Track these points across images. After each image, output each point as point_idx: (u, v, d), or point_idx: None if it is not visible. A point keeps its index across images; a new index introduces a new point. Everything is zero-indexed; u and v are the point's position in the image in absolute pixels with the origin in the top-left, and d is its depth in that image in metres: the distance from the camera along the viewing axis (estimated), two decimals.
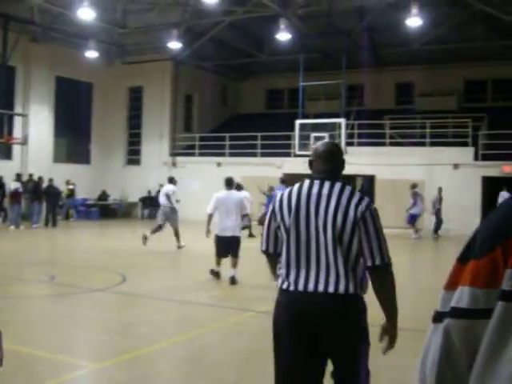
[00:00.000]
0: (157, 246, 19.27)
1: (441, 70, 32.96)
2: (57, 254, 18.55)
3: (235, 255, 12.91)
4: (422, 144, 28.22)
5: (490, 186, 26.80)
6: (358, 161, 27.75)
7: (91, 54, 31.20)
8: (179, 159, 33.62)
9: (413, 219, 24.81)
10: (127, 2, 29.76)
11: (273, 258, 4.14)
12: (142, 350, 7.82)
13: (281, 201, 4.04)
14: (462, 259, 1.82)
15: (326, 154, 4.12)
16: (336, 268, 3.81)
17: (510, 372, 1.66)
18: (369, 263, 3.81)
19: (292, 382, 3.92)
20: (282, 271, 4.00)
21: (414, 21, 24.95)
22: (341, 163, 4.17)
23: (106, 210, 33.26)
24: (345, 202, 3.85)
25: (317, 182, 3.98)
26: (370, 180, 29.60)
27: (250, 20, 30.55)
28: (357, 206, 3.84)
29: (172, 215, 19.62)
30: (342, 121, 27.25)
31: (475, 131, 27.62)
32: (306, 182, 4.04)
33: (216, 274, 13.23)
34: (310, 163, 4.19)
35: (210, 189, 27.93)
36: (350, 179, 30.79)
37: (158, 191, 32.89)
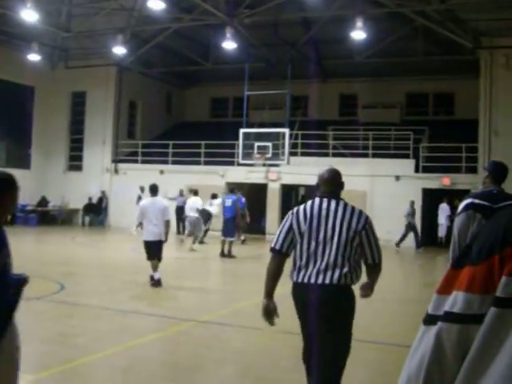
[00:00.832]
0: (97, 255, 19.01)
1: (384, 82, 33.40)
2: None
3: (159, 258, 13.60)
4: (365, 155, 28.53)
5: (430, 198, 27.27)
6: (301, 171, 27.90)
7: (34, 57, 30.64)
8: (121, 166, 33.26)
9: None
10: (72, 6, 29.35)
11: (281, 257, 5.25)
12: (79, 361, 7.65)
13: (297, 213, 5.24)
14: (457, 265, 1.89)
15: (331, 180, 5.40)
16: (340, 265, 5.01)
17: (498, 377, 1.71)
18: (370, 261, 5.17)
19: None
20: (296, 266, 5.18)
21: (358, 34, 25.24)
22: (341, 186, 5.48)
23: (45, 217, 32.70)
24: (348, 215, 5.15)
25: (325, 200, 5.25)
26: (312, 190, 29.76)
27: (197, 28, 30.49)
28: (358, 219, 5.14)
29: (198, 225, 22.49)
30: (286, 131, 27.34)
31: (416, 144, 28.06)
32: (317, 200, 5.28)
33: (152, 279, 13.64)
34: (317, 186, 5.44)
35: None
36: (293, 189, 30.96)
37: (100, 198, 32.66)
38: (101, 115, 33.97)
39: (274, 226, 28.57)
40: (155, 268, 13.47)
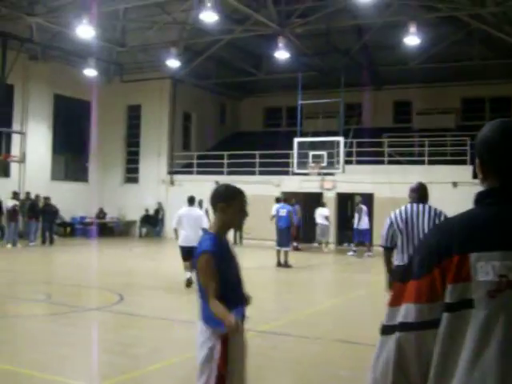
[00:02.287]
0: (154, 265, 19.18)
1: (439, 88, 33.02)
2: (53, 273, 18.46)
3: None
4: (421, 162, 28.20)
5: None
6: (357, 179, 27.75)
7: (90, 72, 31.20)
8: (177, 177, 33.56)
9: (362, 236, 25.25)
10: (126, 21, 29.84)
11: (389, 250, 7.55)
12: (139, 371, 7.73)
13: (395, 216, 7.39)
14: (403, 279, 2.10)
15: (418, 190, 7.49)
16: None
17: (460, 379, 1.90)
18: None
19: None
20: (397, 257, 7.38)
21: (412, 40, 24.98)
22: (426, 195, 7.52)
23: (103, 229, 33.16)
24: (433, 214, 7.24)
25: (415, 204, 7.39)
26: (368, 198, 29.56)
27: (249, 38, 30.62)
28: (439, 218, 7.15)
29: (327, 232, 26.70)
30: (341, 139, 27.20)
31: (473, 149, 27.56)
32: (409, 205, 7.41)
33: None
34: (410, 194, 7.54)
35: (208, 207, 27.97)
36: (349, 198, 30.77)
37: (157, 210, 32.98)
38: (156, 127, 34.35)
39: (332, 235, 28.46)
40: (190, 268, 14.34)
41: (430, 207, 7.39)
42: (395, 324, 2.07)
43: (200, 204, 20.13)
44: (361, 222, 25.10)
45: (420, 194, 7.50)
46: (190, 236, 14.35)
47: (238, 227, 4.77)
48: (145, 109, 34.93)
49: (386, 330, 2.11)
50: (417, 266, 2.07)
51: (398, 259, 7.43)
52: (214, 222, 4.47)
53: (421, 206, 7.38)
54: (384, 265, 7.75)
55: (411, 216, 7.31)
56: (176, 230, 15.05)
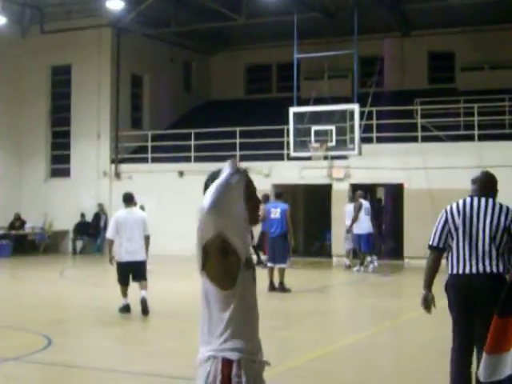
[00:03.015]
0: (94, 295, 19.10)
1: (492, 33, 33.03)
2: None
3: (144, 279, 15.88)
4: (469, 138, 28.19)
5: None
6: (379, 164, 27.68)
7: None
8: (124, 167, 33.46)
9: (364, 242, 25.42)
10: None
11: (439, 252, 7.99)
12: None
13: (451, 210, 7.95)
14: (506, 313, 1.91)
15: (484, 182, 8.07)
16: (494, 257, 7.70)
17: None
18: None
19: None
20: (454, 259, 7.85)
21: None
22: (492, 187, 8.11)
23: (21, 243, 32.95)
24: (497, 212, 7.81)
25: (476, 198, 7.93)
26: (394, 191, 29.51)
27: None
28: (506, 216, 7.78)
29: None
30: (355, 107, 27.13)
31: None
32: (468, 198, 7.97)
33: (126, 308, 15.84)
34: (472, 186, 8.17)
35: (169, 208, 27.93)
36: (368, 190, 30.77)
37: (97, 214, 32.84)
38: (93, 97, 34.15)
39: (343, 244, 28.39)
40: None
41: (494, 202, 7.92)
42: (502, 379, 1.99)
43: (142, 207, 21.44)
44: (362, 224, 25.09)
45: (481, 185, 8.05)
46: (132, 247, 15.48)
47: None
48: (76, 71, 34.74)
49: None
50: None
51: (452, 266, 7.90)
52: None
53: (483, 200, 7.91)
54: (426, 273, 8.06)
55: (470, 212, 7.85)
56: (111, 242, 15.82)
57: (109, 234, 15.92)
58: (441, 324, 9.60)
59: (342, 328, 16.32)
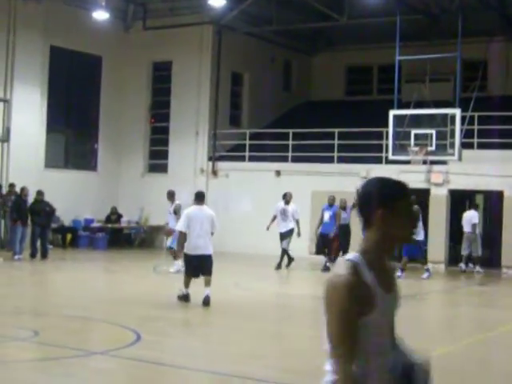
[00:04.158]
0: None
1: None
2: (44, 300, 18.48)
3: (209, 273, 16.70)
4: None
5: None
6: (479, 170, 27.23)
7: (100, 16, 31.34)
8: (222, 165, 33.55)
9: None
10: None
11: None
12: None
13: None
14: None
15: None
16: None
17: None
18: None
19: None
20: None
21: None
22: None
23: (117, 236, 33.34)
24: None
25: None
26: (495, 198, 28.99)
27: None
28: None
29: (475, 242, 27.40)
30: (457, 112, 26.79)
31: None
32: None
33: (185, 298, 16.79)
34: None
35: (265, 207, 27.96)
36: (467, 197, 30.27)
37: None
38: (193, 94, 34.32)
39: (441, 252, 28.02)
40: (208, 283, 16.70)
41: None
42: None
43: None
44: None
45: None
46: (200, 242, 16.40)
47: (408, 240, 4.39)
48: (177, 68, 34.95)
49: None
50: None
51: None
52: (366, 237, 4.11)
53: None
54: None
55: None
56: (183, 235, 16.67)
57: (180, 227, 16.80)
58: None
59: (434, 337, 16.00)
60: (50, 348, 12.18)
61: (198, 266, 16.62)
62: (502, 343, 14.66)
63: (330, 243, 25.11)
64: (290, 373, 10.92)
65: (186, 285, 16.88)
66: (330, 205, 25.46)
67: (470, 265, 27.47)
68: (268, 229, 25.90)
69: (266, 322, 16.02)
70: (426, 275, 24.67)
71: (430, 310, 20.18)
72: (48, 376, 10.39)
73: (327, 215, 24.83)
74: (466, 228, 27.24)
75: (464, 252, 27.65)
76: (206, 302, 16.34)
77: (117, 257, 29.12)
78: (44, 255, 26.44)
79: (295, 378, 10.56)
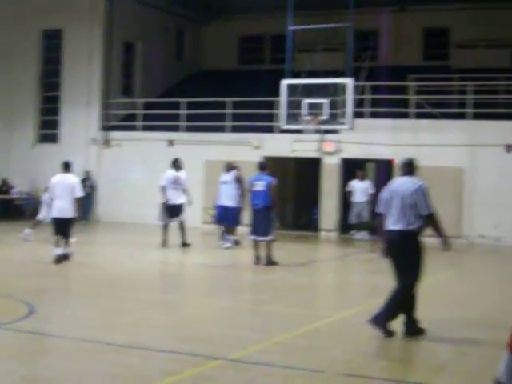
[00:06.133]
0: (80, 263, 19.03)
1: (490, 10, 32.88)
2: None
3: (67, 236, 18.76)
4: (462, 116, 28.11)
5: None
6: (371, 139, 27.63)
7: None
8: (114, 135, 33.31)
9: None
10: None
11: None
12: None
13: None
14: None
15: None
16: None
17: None
18: None
19: None
20: None
21: None
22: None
23: (7, 208, 32.91)
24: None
25: None
26: (385, 166, 29.39)
27: None
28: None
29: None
30: (349, 81, 26.99)
31: None
32: None
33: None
34: None
35: (158, 177, 27.85)
36: (359, 166, 30.65)
37: (83, 181, 32.60)
38: (84, 63, 34.00)
39: (332, 219, 28.36)
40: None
41: None
42: None
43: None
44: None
45: None
46: (64, 206, 18.63)
47: None
48: (67, 36, 34.58)
49: None
50: None
51: None
52: None
53: None
54: None
55: None
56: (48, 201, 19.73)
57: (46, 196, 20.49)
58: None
59: (330, 304, 16.18)
60: None
61: (61, 227, 18.68)
62: None
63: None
64: (187, 342, 10.91)
65: (57, 244, 18.78)
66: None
67: (360, 232, 27.92)
68: (191, 204, 24.71)
69: (161, 292, 16.00)
70: (227, 244, 23.76)
71: (324, 277, 20.38)
72: None
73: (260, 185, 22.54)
74: (359, 198, 27.90)
75: (354, 221, 28.25)
76: (59, 260, 18.52)
77: (6, 229, 28.65)
78: None
79: (191, 347, 10.56)
